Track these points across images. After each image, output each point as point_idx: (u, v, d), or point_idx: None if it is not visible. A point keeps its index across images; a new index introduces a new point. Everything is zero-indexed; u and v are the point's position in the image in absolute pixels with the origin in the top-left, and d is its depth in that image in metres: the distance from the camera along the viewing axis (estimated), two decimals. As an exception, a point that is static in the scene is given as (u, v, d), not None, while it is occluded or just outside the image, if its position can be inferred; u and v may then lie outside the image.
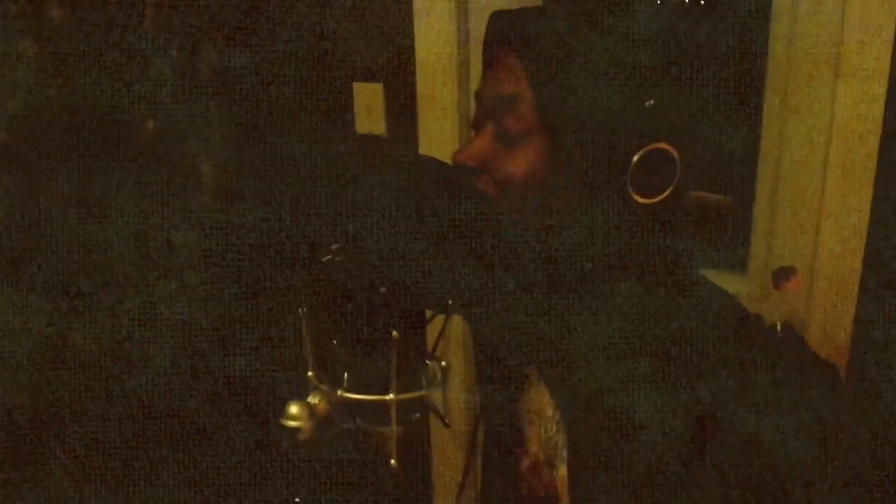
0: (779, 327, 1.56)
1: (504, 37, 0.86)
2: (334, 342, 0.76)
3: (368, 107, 1.75)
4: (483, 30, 0.90)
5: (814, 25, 1.38)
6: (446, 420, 0.82)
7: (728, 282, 1.67)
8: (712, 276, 1.70)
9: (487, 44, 0.88)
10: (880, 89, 1.34)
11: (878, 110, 1.35)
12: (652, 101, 0.78)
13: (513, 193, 0.83)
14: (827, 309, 1.47)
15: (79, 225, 1.85)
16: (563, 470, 0.91)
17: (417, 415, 0.78)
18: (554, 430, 0.91)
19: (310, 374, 0.77)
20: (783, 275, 1.53)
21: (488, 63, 0.88)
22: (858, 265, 1.42)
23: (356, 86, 1.76)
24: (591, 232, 0.80)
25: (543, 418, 0.93)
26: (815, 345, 1.55)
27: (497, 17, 0.88)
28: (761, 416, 0.73)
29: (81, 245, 1.89)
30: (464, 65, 1.66)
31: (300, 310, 0.77)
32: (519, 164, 0.82)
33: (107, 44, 1.78)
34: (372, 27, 1.68)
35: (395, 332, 0.73)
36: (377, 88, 1.74)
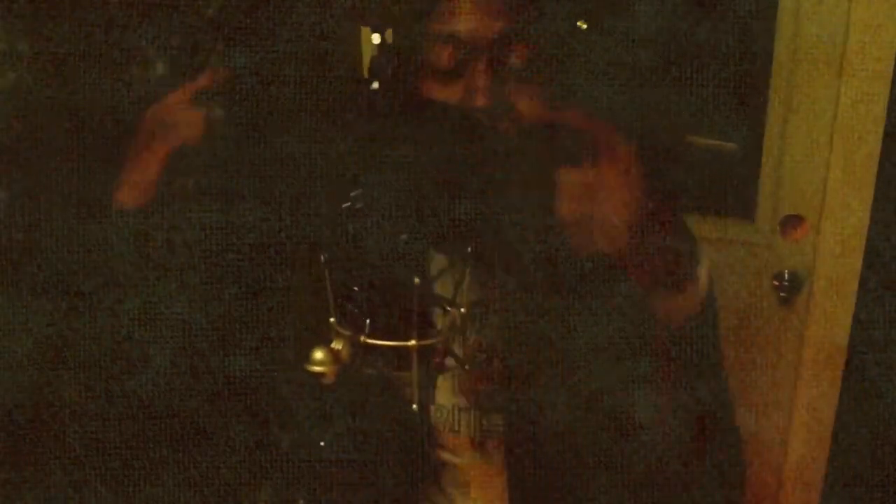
0: (786, 276, 1.57)
1: None
2: (355, 289, 0.77)
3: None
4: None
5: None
6: (466, 366, 0.83)
7: (735, 230, 1.69)
8: (722, 226, 1.62)
9: None
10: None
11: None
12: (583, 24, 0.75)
13: (535, 131, 0.79)
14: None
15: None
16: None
17: (437, 360, 0.78)
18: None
19: (332, 320, 0.78)
20: (790, 223, 1.55)
21: None
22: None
23: (365, 30, 1.72)
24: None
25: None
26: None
27: None
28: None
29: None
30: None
31: (321, 256, 0.78)
32: (535, 95, 0.77)
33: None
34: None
35: (416, 279, 0.74)
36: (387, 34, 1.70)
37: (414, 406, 0.78)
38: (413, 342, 0.77)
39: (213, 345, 1.96)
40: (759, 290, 1.61)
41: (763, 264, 1.62)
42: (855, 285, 1.47)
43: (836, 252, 1.47)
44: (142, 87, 1.82)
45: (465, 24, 0.78)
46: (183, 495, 2.05)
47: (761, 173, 1.60)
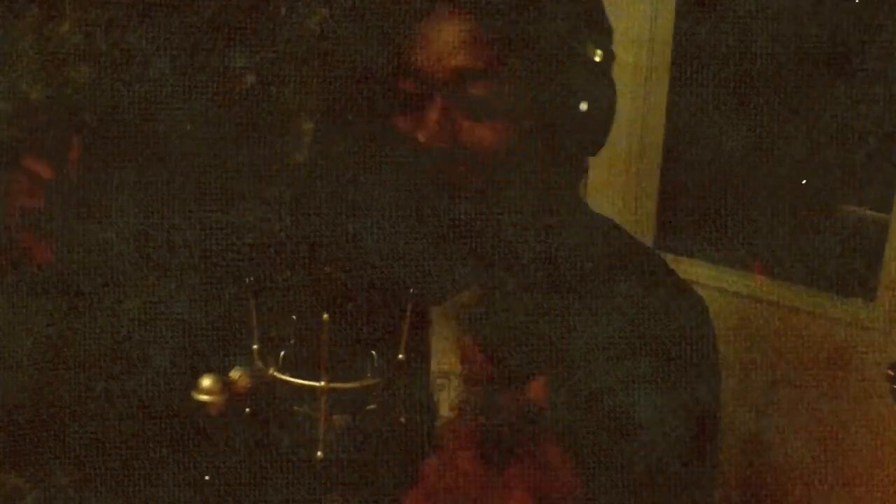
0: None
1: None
2: (271, 317, 0.74)
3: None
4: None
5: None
6: (401, 417, 0.80)
7: (852, 310, 1.48)
8: (839, 304, 1.47)
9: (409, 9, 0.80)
10: None
11: None
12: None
13: (485, 170, 0.80)
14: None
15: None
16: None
17: (373, 406, 0.75)
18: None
19: (255, 347, 0.75)
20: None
21: (417, 30, 0.79)
22: None
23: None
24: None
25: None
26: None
27: None
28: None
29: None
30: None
31: (247, 279, 0.75)
32: (486, 134, 0.79)
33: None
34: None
35: (325, 315, 0.69)
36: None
37: (319, 454, 0.73)
38: (322, 383, 0.71)
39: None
40: (870, 378, 1.40)
41: (878, 351, 1.42)
42: None
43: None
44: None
45: (426, 59, 0.80)
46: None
47: (886, 247, 1.39)
